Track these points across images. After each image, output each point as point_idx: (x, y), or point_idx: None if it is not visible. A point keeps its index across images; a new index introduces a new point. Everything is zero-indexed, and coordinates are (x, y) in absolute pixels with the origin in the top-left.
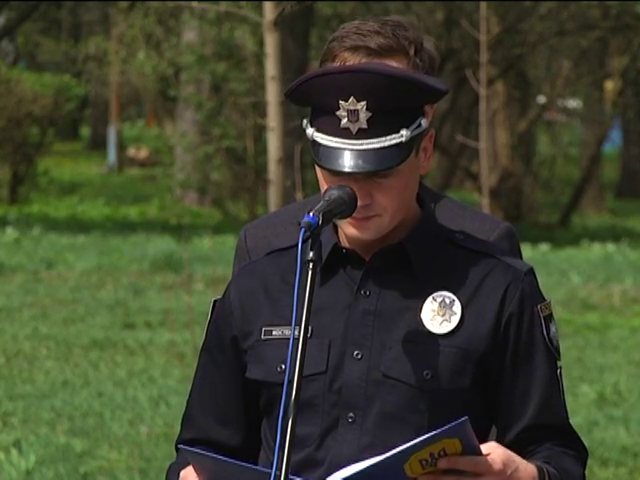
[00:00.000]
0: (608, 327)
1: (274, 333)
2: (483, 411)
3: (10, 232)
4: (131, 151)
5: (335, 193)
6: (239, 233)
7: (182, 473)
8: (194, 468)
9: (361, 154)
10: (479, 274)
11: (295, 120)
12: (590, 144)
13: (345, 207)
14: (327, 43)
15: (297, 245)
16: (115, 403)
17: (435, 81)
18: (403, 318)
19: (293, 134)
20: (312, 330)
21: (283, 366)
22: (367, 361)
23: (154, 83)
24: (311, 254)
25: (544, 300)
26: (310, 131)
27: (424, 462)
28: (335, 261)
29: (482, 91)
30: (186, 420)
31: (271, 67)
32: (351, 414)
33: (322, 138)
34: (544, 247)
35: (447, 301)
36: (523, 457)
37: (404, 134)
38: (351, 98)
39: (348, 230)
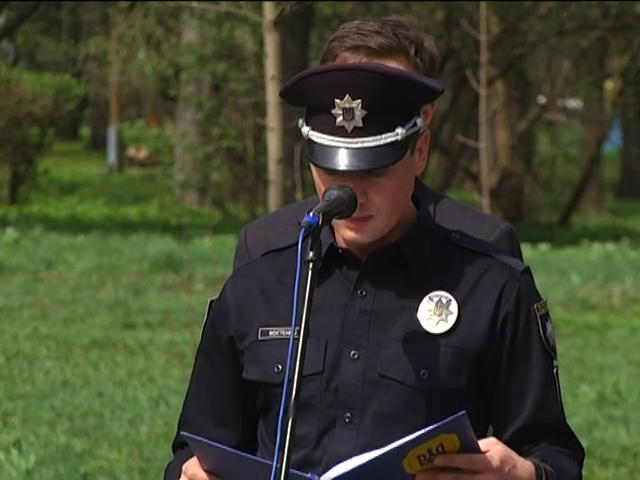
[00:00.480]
0: (608, 327)
1: (271, 334)
2: (480, 411)
3: (10, 232)
4: (131, 151)
5: (335, 193)
6: (239, 233)
7: (185, 464)
8: (198, 458)
9: (356, 152)
10: (475, 273)
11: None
12: (590, 144)
13: (345, 207)
14: (327, 43)
15: (294, 245)
16: (115, 403)
17: (430, 81)
18: (399, 318)
19: (293, 134)
20: (309, 330)
21: (280, 366)
22: (364, 361)
23: (154, 83)
24: (311, 254)
25: (540, 299)
26: (305, 130)
27: (422, 458)
28: (331, 261)
29: (482, 91)
30: (183, 421)
31: (271, 67)
32: (348, 414)
33: (317, 137)
34: (544, 247)
35: (444, 301)
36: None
37: (399, 132)
38: (346, 96)
39: (345, 233)
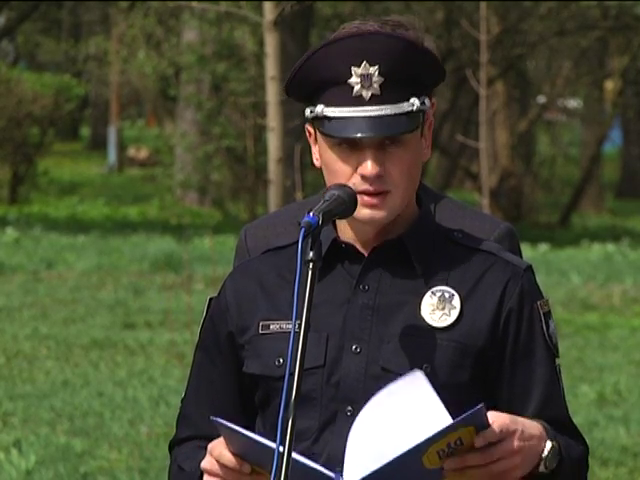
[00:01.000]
0: (608, 327)
1: (272, 327)
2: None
3: (10, 232)
4: (131, 151)
5: (335, 193)
6: (239, 233)
7: (211, 444)
8: (225, 440)
9: (374, 121)
10: (478, 269)
11: (295, 120)
12: (590, 144)
13: (345, 207)
14: None
15: (293, 244)
16: (115, 403)
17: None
18: (402, 312)
19: (293, 134)
20: (310, 324)
21: (281, 360)
22: (366, 355)
23: (154, 83)
24: (311, 254)
25: (543, 297)
26: (319, 108)
27: (441, 452)
28: (333, 256)
29: (482, 91)
30: (183, 418)
31: (271, 67)
32: (349, 408)
33: (334, 111)
34: (544, 247)
35: (446, 295)
36: None
37: (415, 103)
38: (364, 63)
39: (361, 212)
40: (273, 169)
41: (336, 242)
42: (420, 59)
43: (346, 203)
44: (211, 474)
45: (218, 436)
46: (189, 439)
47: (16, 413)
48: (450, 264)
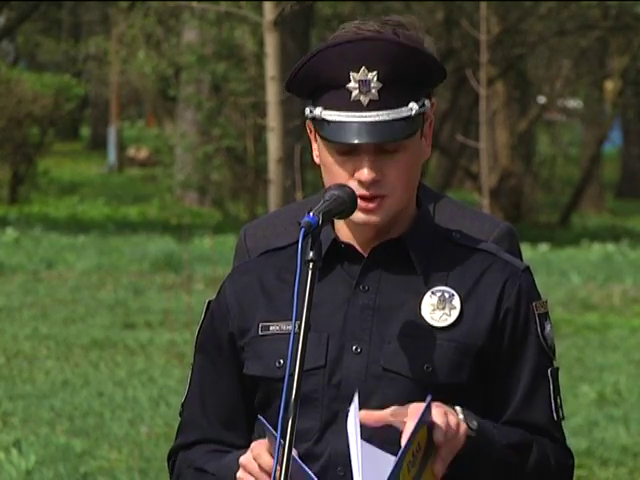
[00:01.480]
0: (608, 327)
1: (271, 328)
2: (482, 405)
3: (10, 232)
4: (131, 151)
5: (335, 193)
6: (239, 233)
7: (253, 443)
8: (269, 443)
9: (372, 126)
10: (477, 270)
11: (295, 120)
12: (590, 144)
13: (345, 207)
14: None
15: (292, 244)
16: (115, 403)
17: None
18: (402, 312)
19: (293, 134)
20: (310, 325)
21: (282, 361)
22: (366, 355)
23: (154, 83)
24: (311, 254)
25: (540, 298)
26: (318, 111)
27: (410, 465)
28: (333, 256)
29: (482, 91)
30: (188, 422)
31: (271, 67)
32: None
33: (331, 114)
34: (544, 247)
35: (446, 295)
36: None
37: (413, 107)
38: (362, 68)
39: (357, 216)
40: (273, 169)
41: (335, 242)
42: (419, 64)
43: (346, 203)
44: (246, 470)
45: (226, 440)
46: (197, 443)
47: (16, 413)
48: (449, 264)
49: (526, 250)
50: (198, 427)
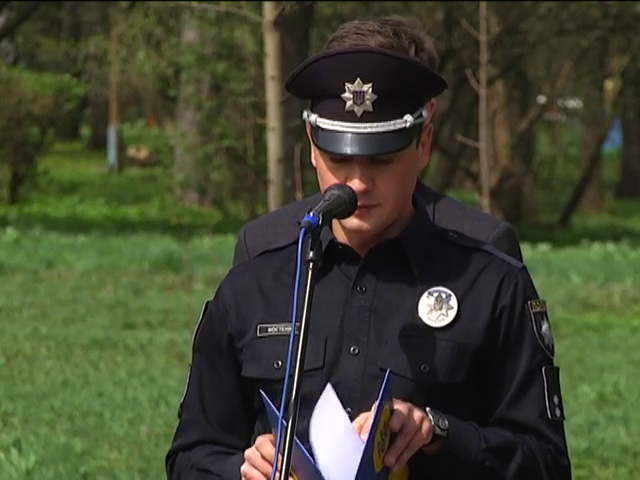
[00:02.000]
0: (608, 327)
1: (270, 330)
2: (479, 404)
3: (10, 232)
4: (131, 151)
5: (335, 193)
6: (239, 233)
7: (259, 437)
8: (274, 436)
9: (365, 138)
10: (474, 269)
11: (295, 120)
12: (590, 144)
13: (345, 207)
14: (327, 43)
15: (291, 245)
16: (115, 403)
17: (438, 73)
18: (399, 313)
19: (293, 134)
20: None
21: (280, 362)
22: (364, 356)
23: (154, 83)
24: (311, 254)
25: (537, 297)
26: (313, 117)
27: (379, 446)
28: (330, 257)
29: (482, 91)
30: (189, 422)
31: (271, 67)
32: (348, 409)
33: (325, 123)
34: (544, 247)
35: (443, 296)
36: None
37: (408, 119)
38: (357, 79)
39: (350, 222)
40: (273, 169)
41: (333, 243)
42: (416, 77)
43: (346, 203)
44: (249, 461)
45: (227, 442)
46: (197, 444)
47: (16, 413)
48: (446, 264)
49: (526, 250)
50: (198, 428)
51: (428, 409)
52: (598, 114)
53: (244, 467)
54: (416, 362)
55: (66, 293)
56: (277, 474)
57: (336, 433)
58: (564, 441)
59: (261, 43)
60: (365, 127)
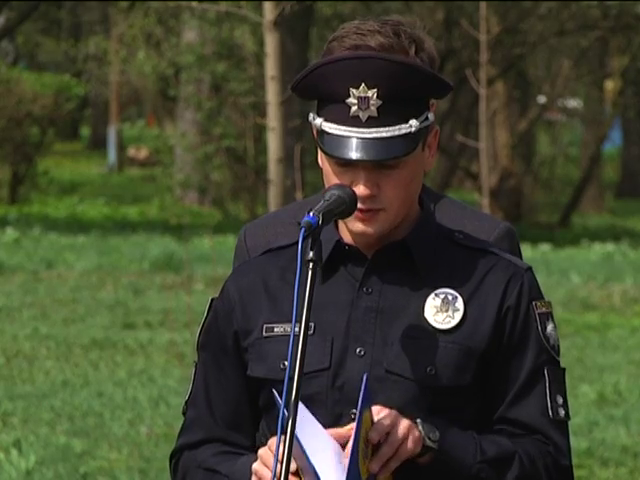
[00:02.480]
0: (608, 327)
1: (275, 330)
2: (481, 405)
3: (10, 232)
4: (131, 151)
5: (335, 193)
6: (239, 233)
7: (271, 439)
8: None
9: (370, 143)
10: (481, 271)
11: (295, 120)
12: (590, 144)
13: (345, 207)
14: (327, 43)
15: (294, 244)
16: (115, 403)
17: (443, 76)
18: (406, 315)
19: (293, 134)
20: (314, 327)
21: (285, 363)
22: (370, 357)
23: (154, 83)
24: (311, 254)
25: (542, 298)
26: (318, 121)
27: (364, 455)
28: (336, 258)
29: (482, 91)
30: (195, 420)
31: (271, 67)
32: (354, 410)
33: (330, 127)
34: (544, 247)
35: (450, 297)
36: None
37: (413, 124)
38: (362, 85)
39: (354, 225)
40: (273, 169)
41: (339, 244)
42: (420, 82)
43: (346, 203)
44: (262, 460)
45: (232, 440)
46: (203, 442)
47: (16, 413)
48: (452, 266)
49: (526, 250)
50: (203, 426)
51: (419, 420)
52: (598, 114)
53: (255, 465)
54: (422, 364)
55: (66, 293)
56: (279, 469)
57: (322, 448)
58: (567, 441)
59: (261, 43)
60: (370, 132)
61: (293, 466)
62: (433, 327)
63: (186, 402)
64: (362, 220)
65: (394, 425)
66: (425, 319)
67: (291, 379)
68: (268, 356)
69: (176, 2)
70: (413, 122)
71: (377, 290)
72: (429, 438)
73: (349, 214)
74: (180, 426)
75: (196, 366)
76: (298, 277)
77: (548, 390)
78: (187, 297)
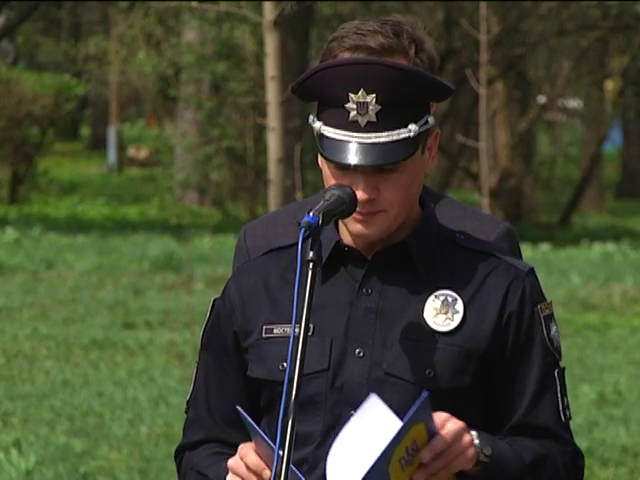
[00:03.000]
0: (608, 327)
1: (275, 331)
2: (484, 410)
3: (10, 232)
4: (131, 151)
5: (335, 193)
6: (239, 233)
7: (241, 445)
8: (255, 444)
9: (369, 147)
10: (481, 273)
11: (295, 120)
12: (590, 144)
13: (345, 207)
14: (327, 43)
15: (295, 244)
16: (115, 403)
17: (443, 79)
18: (405, 316)
19: (293, 134)
20: (313, 328)
21: (285, 364)
22: (369, 359)
23: (154, 83)
24: (311, 254)
25: (545, 300)
26: (317, 125)
27: (402, 460)
28: (336, 259)
29: (482, 91)
30: (194, 421)
31: (271, 67)
32: (352, 412)
33: (329, 131)
34: (544, 247)
35: (449, 299)
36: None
37: (412, 129)
38: (361, 90)
39: (354, 227)
40: (273, 169)
41: (339, 245)
42: (421, 86)
43: (346, 203)
44: (234, 472)
45: (231, 440)
46: (201, 443)
47: (16, 413)
48: (453, 267)
49: (526, 250)
50: (203, 426)
51: (476, 434)
52: (598, 114)
53: (229, 478)
54: (421, 366)
55: (66, 293)
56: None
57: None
58: (574, 440)
59: (261, 43)
60: (369, 137)
61: (267, 473)
62: (432, 329)
63: (188, 402)
64: (362, 222)
65: (456, 438)
66: (425, 321)
67: (291, 380)
68: (268, 357)
69: (176, 2)
70: (412, 127)
71: (377, 291)
72: (483, 453)
73: (349, 214)
74: (182, 425)
75: (198, 366)
76: (298, 277)
77: (559, 393)
78: (187, 297)
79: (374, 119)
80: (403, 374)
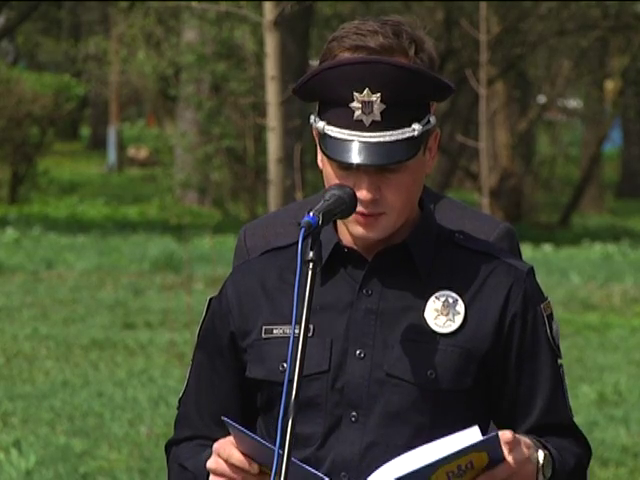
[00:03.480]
0: (608, 327)
1: (275, 332)
2: (484, 412)
3: (10, 232)
4: (131, 151)
5: (335, 193)
6: (239, 233)
7: (217, 444)
8: (235, 440)
9: (372, 147)
10: (481, 274)
11: (295, 120)
12: (590, 144)
13: (345, 207)
14: (327, 43)
15: (295, 244)
16: (115, 403)
17: (445, 78)
18: (406, 317)
19: (293, 134)
20: (314, 329)
21: (285, 365)
22: (370, 360)
23: (154, 83)
24: (311, 254)
25: (545, 299)
26: (320, 125)
27: (450, 474)
28: (336, 260)
29: (482, 91)
30: (182, 418)
31: (271, 67)
32: (354, 413)
33: (333, 131)
34: (545, 247)
35: (450, 300)
36: None
37: (416, 128)
38: (366, 89)
39: (355, 229)
40: (273, 169)
41: (339, 246)
42: (424, 86)
43: (346, 203)
44: (217, 474)
45: (218, 437)
46: (188, 439)
47: (16, 413)
48: (453, 268)
49: (527, 250)
50: (191, 424)
51: (541, 456)
52: (598, 114)
53: (211, 479)
54: (422, 368)
55: (66, 293)
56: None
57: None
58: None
59: (261, 43)
60: (373, 136)
61: (255, 467)
62: (433, 330)
63: (180, 399)
64: (363, 224)
65: (520, 466)
66: (425, 322)
67: (291, 381)
68: (267, 358)
69: (176, 2)
70: (416, 126)
71: (377, 292)
72: (543, 474)
73: (349, 214)
74: None
75: (192, 364)
76: (298, 278)
77: (566, 392)
78: (187, 297)
79: (379, 118)
80: (404, 375)
